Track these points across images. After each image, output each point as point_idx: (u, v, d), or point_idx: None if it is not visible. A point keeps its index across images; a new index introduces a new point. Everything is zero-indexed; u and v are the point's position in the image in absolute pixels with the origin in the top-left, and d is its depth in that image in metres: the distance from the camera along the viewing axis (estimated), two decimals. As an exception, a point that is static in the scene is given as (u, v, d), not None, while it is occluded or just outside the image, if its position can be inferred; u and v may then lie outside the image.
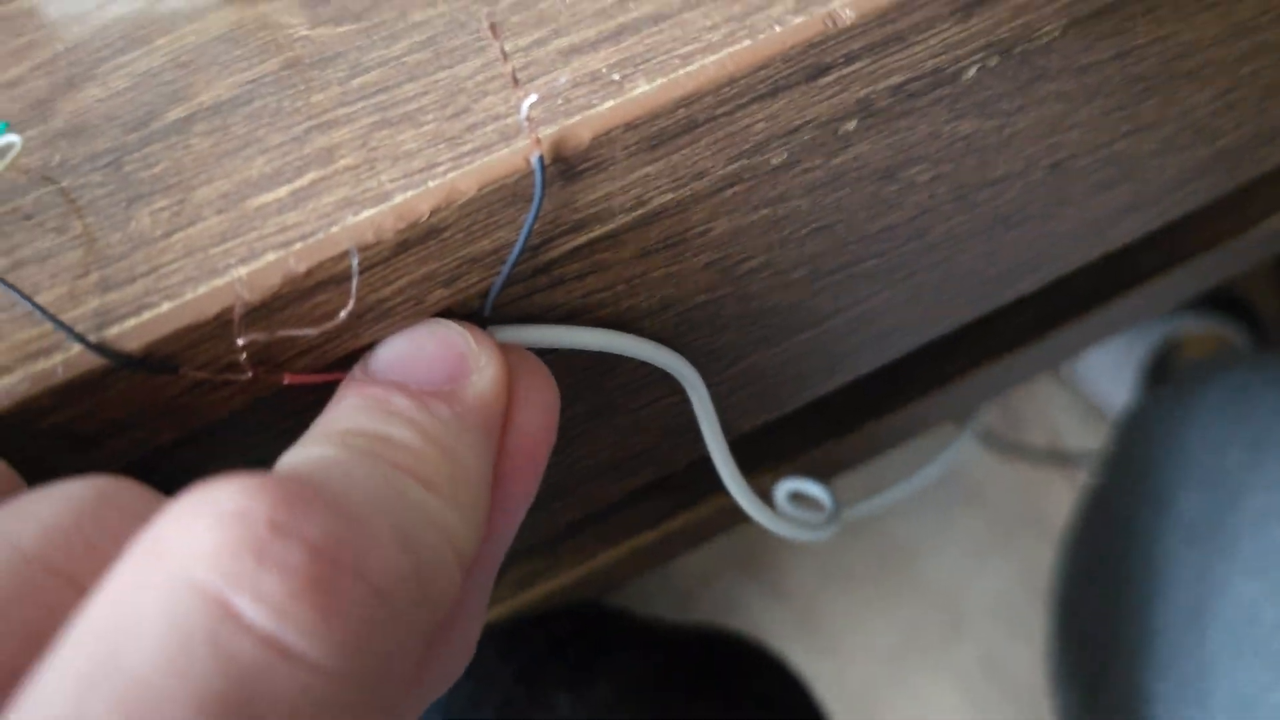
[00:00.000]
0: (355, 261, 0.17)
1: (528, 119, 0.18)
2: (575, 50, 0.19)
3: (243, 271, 0.18)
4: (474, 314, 0.20)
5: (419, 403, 0.17)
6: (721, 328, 0.23)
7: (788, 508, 0.30)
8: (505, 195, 0.18)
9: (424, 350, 0.18)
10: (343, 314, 0.18)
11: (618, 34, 0.19)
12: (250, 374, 0.18)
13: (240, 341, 0.18)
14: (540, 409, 0.20)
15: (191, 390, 0.19)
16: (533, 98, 0.18)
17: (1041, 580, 0.69)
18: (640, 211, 0.20)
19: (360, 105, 0.19)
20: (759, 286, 0.22)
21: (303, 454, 0.16)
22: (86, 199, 0.19)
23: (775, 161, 0.20)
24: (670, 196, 0.20)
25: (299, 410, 0.20)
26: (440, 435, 0.17)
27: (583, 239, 0.20)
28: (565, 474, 0.24)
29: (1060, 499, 0.74)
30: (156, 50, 0.21)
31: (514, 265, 0.19)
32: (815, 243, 0.22)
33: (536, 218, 0.18)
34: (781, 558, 0.75)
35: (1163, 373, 0.73)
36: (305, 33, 0.21)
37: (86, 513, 0.15)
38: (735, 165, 0.20)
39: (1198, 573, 0.49)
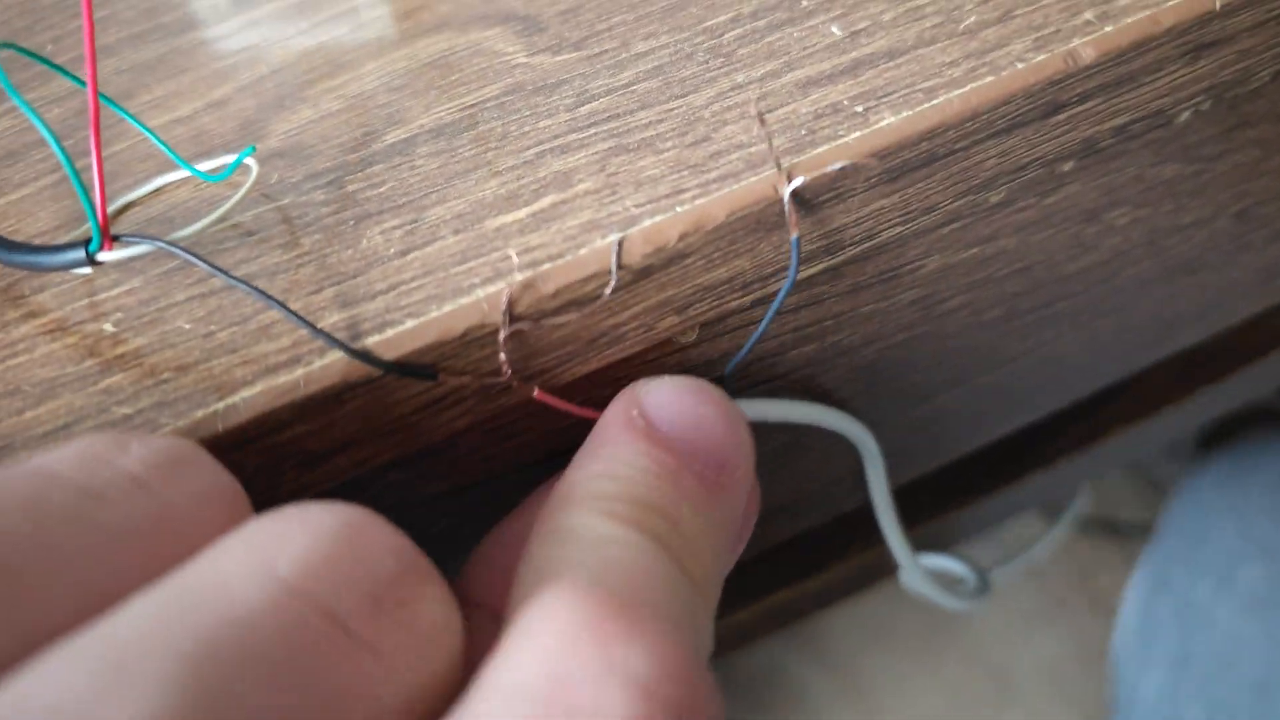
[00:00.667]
0: (615, 258, 0.17)
1: (790, 200, 0.18)
2: (812, 83, 0.19)
3: (489, 291, 0.17)
4: (694, 357, 0.20)
5: (711, 494, 0.17)
6: (912, 367, 0.23)
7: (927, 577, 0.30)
8: (750, 223, 0.18)
9: (712, 426, 0.18)
10: (606, 290, 0.17)
11: (854, 68, 0.19)
12: (508, 380, 0.18)
13: (502, 356, 0.17)
14: (751, 496, 0.19)
15: (424, 409, 0.18)
16: (798, 180, 0.18)
17: (1093, 650, 0.68)
18: (867, 245, 0.20)
19: (592, 131, 0.19)
20: (955, 326, 0.22)
21: (611, 533, 0.16)
22: (311, 217, 0.19)
23: (994, 199, 0.20)
24: (898, 230, 0.20)
25: (515, 433, 0.20)
26: (713, 534, 0.17)
27: (809, 271, 0.19)
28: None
29: (1113, 570, 0.73)
30: (366, 75, 0.21)
31: (760, 335, 0.19)
32: (1015, 283, 0.22)
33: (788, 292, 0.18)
34: (824, 621, 0.74)
35: (1216, 445, 0.73)
36: (524, 60, 0.21)
37: (344, 542, 0.14)
38: (961, 201, 0.20)
39: (1264, 644, 0.48)
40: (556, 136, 0.19)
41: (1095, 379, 0.26)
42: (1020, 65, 0.19)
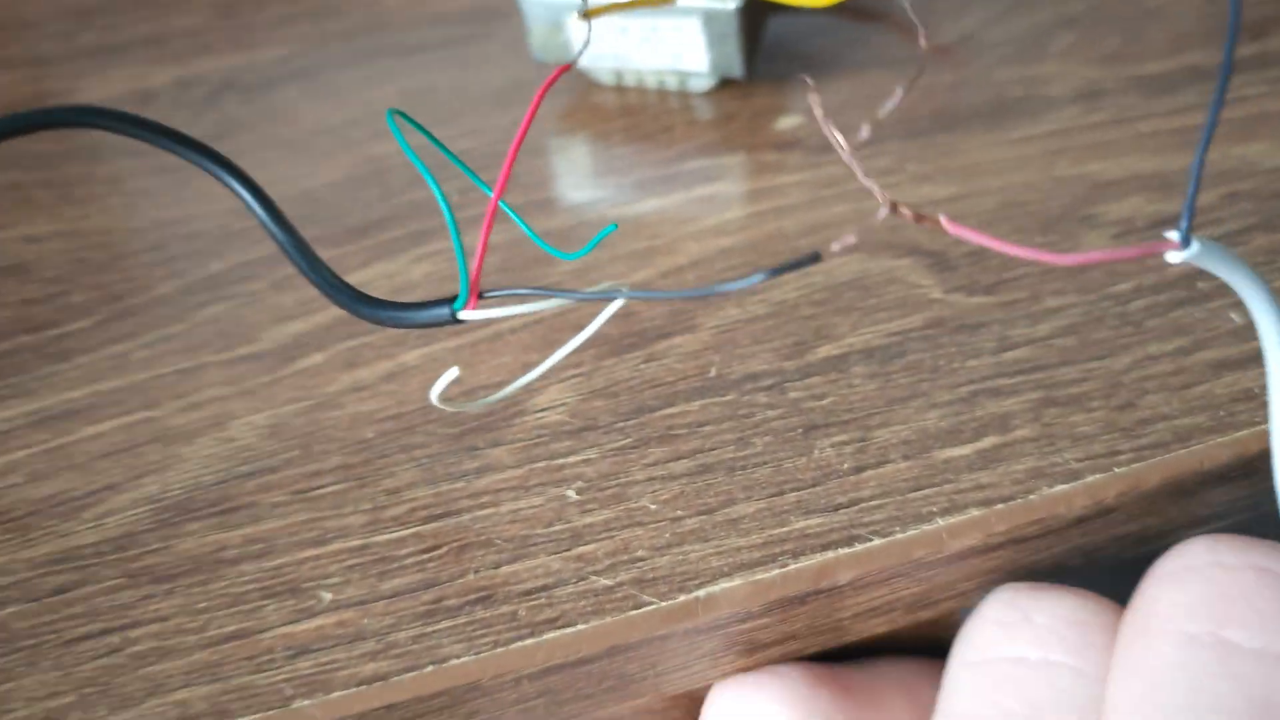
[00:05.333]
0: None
1: None
2: (1223, 365, 0.21)
3: (948, 521, 0.19)
4: None
5: None
6: None
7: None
8: (1173, 488, 0.20)
9: None
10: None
11: (1258, 358, 0.21)
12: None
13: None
14: None
15: (860, 615, 0.20)
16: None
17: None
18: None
19: (1020, 379, 0.21)
20: None
21: None
22: (758, 418, 0.21)
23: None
24: None
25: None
26: None
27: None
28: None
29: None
30: (784, 283, 0.24)
31: None
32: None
33: None
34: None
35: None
36: (938, 296, 0.23)
37: None
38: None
39: None
40: (986, 378, 0.21)
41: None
42: None
